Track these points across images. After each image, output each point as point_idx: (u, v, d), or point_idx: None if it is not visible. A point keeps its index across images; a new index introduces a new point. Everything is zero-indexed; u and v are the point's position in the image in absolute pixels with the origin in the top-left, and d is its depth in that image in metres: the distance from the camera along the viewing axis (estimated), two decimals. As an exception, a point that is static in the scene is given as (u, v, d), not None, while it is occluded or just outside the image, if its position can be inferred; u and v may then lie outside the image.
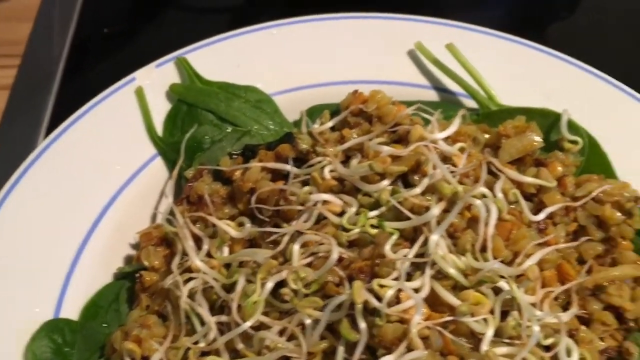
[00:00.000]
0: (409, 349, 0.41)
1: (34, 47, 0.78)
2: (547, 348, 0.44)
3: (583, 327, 0.45)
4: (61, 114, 0.61)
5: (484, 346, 0.41)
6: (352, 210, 0.48)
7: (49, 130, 0.68)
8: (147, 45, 0.79)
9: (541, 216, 0.50)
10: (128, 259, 0.53)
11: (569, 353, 0.43)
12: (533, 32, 0.71)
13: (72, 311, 0.49)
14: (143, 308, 0.49)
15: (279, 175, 0.54)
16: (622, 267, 0.48)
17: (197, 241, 0.52)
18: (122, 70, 0.61)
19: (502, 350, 0.42)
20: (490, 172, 0.52)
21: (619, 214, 0.51)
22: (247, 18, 0.69)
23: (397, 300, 0.44)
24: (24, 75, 0.75)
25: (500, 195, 0.49)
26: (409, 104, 0.57)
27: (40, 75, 0.75)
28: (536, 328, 0.42)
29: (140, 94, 0.58)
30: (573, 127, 0.55)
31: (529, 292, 0.45)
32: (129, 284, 0.52)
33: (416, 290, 0.44)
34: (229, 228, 0.51)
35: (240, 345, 0.45)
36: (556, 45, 0.67)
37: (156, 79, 0.59)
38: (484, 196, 0.48)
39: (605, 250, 0.51)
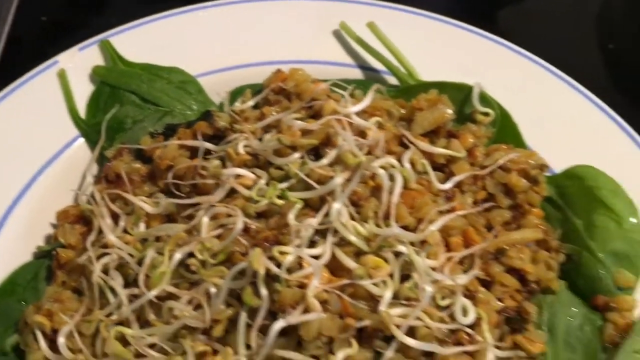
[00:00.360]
0: (306, 315, 0.43)
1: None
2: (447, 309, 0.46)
3: (483, 289, 0.46)
4: None
5: (382, 307, 0.43)
6: (262, 182, 0.49)
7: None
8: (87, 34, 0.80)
9: (448, 185, 0.51)
10: (49, 239, 0.54)
11: (465, 313, 0.45)
12: (483, 17, 0.72)
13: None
14: (59, 284, 0.50)
15: (196, 155, 0.55)
16: (522, 231, 0.49)
17: (116, 218, 0.53)
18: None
19: (398, 311, 0.43)
20: (403, 144, 0.54)
21: (525, 181, 0.52)
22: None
23: (300, 267, 0.45)
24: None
25: (407, 165, 0.51)
26: (331, 83, 0.59)
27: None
28: (428, 288, 0.43)
29: (62, 76, 0.59)
30: (485, 99, 0.57)
31: (432, 256, 0.47)
32: (48, 262, 0.52)
33: (318, 257, 0.45)
34: (144, 204, 0.51)
35: (151, 316, 0.46)
36: (505, 30, 0.69)
37: (79, 61, 0.60)
38: (393, 167, 0.50)
39: (514, 217, 0.52)
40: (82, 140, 0.58)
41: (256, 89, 0.60)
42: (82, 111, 0.59)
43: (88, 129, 0.58)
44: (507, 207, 0.53)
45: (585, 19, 0.86)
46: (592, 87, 0.62)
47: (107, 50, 0.61)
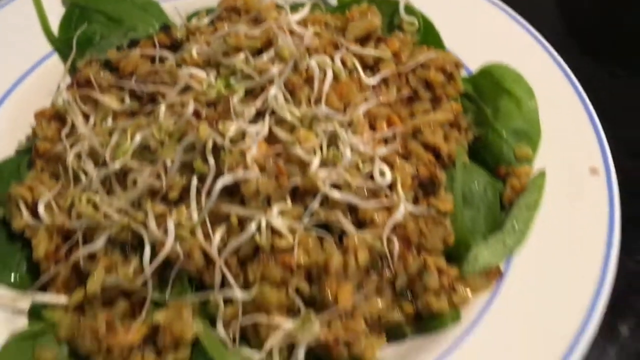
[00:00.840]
0: (246, 176, 0.51)
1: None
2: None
3: (400, 160, 0.55)
4: None
5: (312, 169, 0.51)
6: (211, 76, 0.57)
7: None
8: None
9: (374, 79, 0.59)
10: (29, 138, 0.62)
11: (383, 175, 0.53)
12: None
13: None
14: (38, 171, 0.58)
15: (155, 61, 0.63)
16: (436, 113, 0.57)
17: (86, 117, 0.61)
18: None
19: (325, 172, 0.51)
20: (337, 47, 0.62)
21: (442, 76, 0.60)
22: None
23: (243, 140, 0.53)
24: None
25: (338, 62, 0.59)
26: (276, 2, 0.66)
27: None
28: (348, 152, 0.51)
29: (36, 1, 0.66)
30: (411, 11, 0.65)
31: (357, 133, 0.55)
32: (28, 157, 0.60)
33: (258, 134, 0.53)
34: (111, 101, 0.59)
35: (117, 188, 0.54)
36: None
37: (52, -15, 0.67)
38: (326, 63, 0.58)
39: (433, 108, 0.60)
40: (56, 55, 0.65)
41: (210, 11, 0.69)
42: (55, 31, 0.66)
43: (61, 45, 0.65)
44: (427, 100, 0.61)
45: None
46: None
47: (77, -24, 0.68)
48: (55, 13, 0.67)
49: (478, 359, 0.47)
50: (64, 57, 0.65)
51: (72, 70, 0.64)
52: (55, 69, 0.64)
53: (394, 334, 0.51)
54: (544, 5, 0.90)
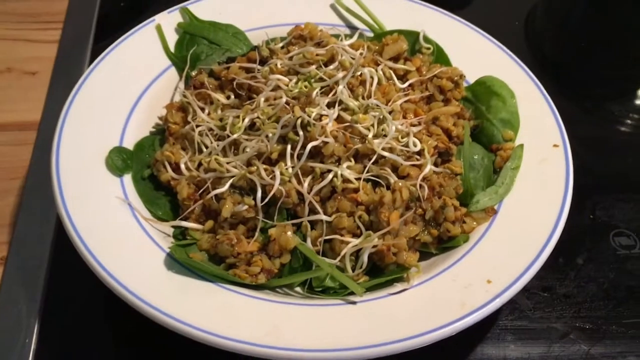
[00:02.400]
0: (325, 142, 0.75)
1: (71, 16, 1.10)
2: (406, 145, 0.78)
3: (426, 137, 0.79)
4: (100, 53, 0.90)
5: (369, 137, 0.75)
6: (294, 80, 0.81)
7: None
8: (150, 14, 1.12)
9: (405, 85, 0.85)
10: (158, 125, 0.86)
11: (415, 145, 0.77)
12: None
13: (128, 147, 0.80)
14: (171, 144, 0.81)
15: (250, 72, 0.87)
16: (448, 107, 0.82)
17: (202, 109, 0.85)
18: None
19: (377, 141, 0.75)
20: (377, 64, 0.87)
21: (451, 84, 0.86)
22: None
23: (320, 120, 0.77)
24: (67, 34, 1.07)
25: (380, 72, 0.84)
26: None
27: (80, 33, 1.07)
28: (392, 128, 0.76)
29: (159, 29, 0.91)
30: (427, 40, 0.91)
31: (395, 118, 0.80)
32: (160, 137, 0.83)
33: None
34: (221, 97, 0.84)
35: (231, 154, 0.78)
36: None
37: (168, 19, 0.92)
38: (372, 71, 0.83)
39: (445, 105, 0.86)
40: (173, 68, 0.90)
41: (283, 38, 0.93)
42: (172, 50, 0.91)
43: (177, 60, 0.89)
44: (441, 100, 0.86)
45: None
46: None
47: (186, 13, 0.93)
48: (170, 38, 0.92)
49: (480, 261, 0.71)
50: (179, 69, 0.89)
51: (186, 79, 0.89)
52: (173, 77, 0.89)
53: (423, 252, 0.75)
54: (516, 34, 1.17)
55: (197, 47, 0.90)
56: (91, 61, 0.99)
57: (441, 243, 0.74)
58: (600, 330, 0.76)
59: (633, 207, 0.88)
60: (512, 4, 1.24)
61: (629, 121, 1.03)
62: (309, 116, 0.74)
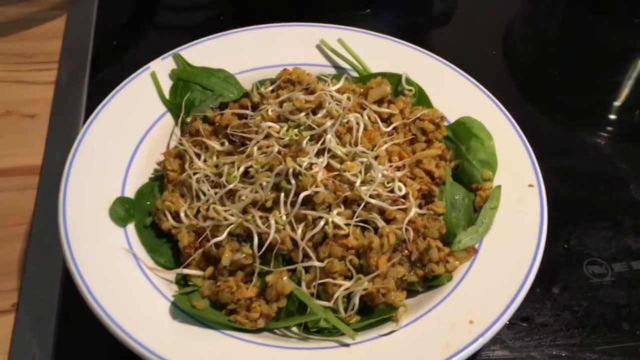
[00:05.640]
0: (316, 191, 0.80)
1: (66, 56, 1.14)
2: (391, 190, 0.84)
3: (410, 180, 0.85)
4: (96, 97, 0.93)
5: (357, 186, 0.80)
6: (285, 128, 0.86)
7: (89, 105, 1.04)
8: (142, 51, 1.16)
9: (389, 128, 0.90)
10: (157, 170, 0.90)
11: (400, 189, 0.82)
12: (415, 37, 1.06)
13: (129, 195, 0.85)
14: (170, 192, 0.86)
15: (242, 118, 0.92)
16: (430, 150, 0.88)
17: (198, 156, 0.89)
18: (132, 67, 0.98)
19: (364, 188, 0.80)
20: (362, 108, 0.92)
21: (432, 125, 0.91)
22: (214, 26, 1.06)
23: (311, 169, 0.82)
24: (62, 74, 1.11)
25: (366, 117, 0.89)
26: (317, 75, 0.97)
27: (75, 73, 1.10)
28: (379, 175, 0.81)
29: (153, 76, 0.95)
30: (409, 82, 0.96)
31: (381, 163, 0.85)
32: (158, 183, 0.88)
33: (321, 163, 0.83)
34: (215, 144, 0.88)
35: (227, 202, 0.83)
36: (433, 48, 1.03)
37: (162, 66, 0.96)
38: (358, 117, 0.88)
39: (427, 146, 0.91)
40: (168, 114, 0.94)
41: (271, 81, 0.98)
42: (166, 97, 0.95)
43: (172, 106, 0.93)
44: (423, 142, 0.92)
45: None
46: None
47: (179, 59, 0.97)
48: (164, 84, 0.96)
49: (463, 300, 0.77)
50: (175, 115, 0.93)
51: (181, 125, 0.93)
52: (169, 122, 0.93)
53: (410, 290, 0.81)
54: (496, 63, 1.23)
55: (190, 93, 0.94)
56: (88, 101, 1.05)
57: (426, 282, 0.79)
58: (575, 357, 0.82)
59: (604, 236, 0.94)
60: (491, 22, 1.29)
61: (599, 145, 1.09)
62: (300, 166, 0.79)
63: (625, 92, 1.20)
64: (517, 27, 1.32)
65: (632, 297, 0.87)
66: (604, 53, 1.26)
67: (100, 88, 0.94)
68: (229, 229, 0.78)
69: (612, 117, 1.17)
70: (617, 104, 1.18)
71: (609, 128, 1.14)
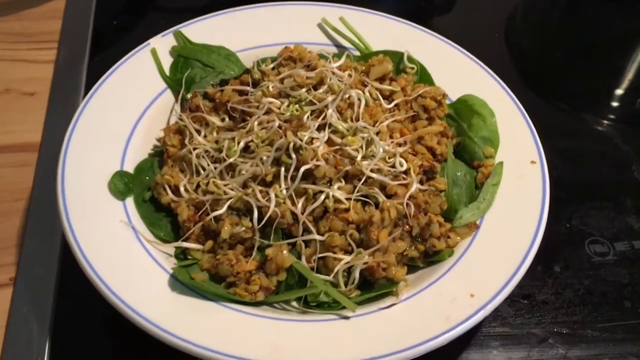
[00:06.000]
0: (317, 165, 0.79)
1: (66, 35, 1.13)
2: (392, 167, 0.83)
3: (412, 156, 0.84)
4: (96, 76, 0.91)
5: (358, 160, 0.80)
6: (285, 103, 0.86)
7: (88, 84, 1.04)
8: (142, 32, 1.15)
9: (391, 105, 0.89)
10: (156, 146, 0.89)
11: (401, 165, 0.82)
12: (418, 23, 1.02)
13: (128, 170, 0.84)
14: (169, 167, 0.85)
15: (242, 94, 0.91)
16: (432, 127, 0.87)
17: (198, 132, 0.89)
18: (132, 47, 0.97)
19: (365, 162, 0.80)
20: (364, 84, 0.92)
21: (434, 103, 0.90)
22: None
23: (312, 143, 0.81)
24: (62, 54, 1.10)
25: (367, 94, 0.88)
26: (318, 53, 0.96)
27: (75, 53, 1.10)
28: (380, 150, 0.80)
29: (154, 52, 0.94)
30: (411, 60, 0.95)
31: (382, 138, 0.84)
32: (158, 159, 0.87)
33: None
34: (216, 120, 0.88)
35: (227, 177, 0.82)
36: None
37: (163, 43, 0.95)
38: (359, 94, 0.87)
39: (429, 124, 0.90)
40: (168, 90, 0.93)
41: (273, 59, 0.97)
42: (167, 73, 0.95)
43: (172, 83, 0.93)
44: (425, 119, 0.91)
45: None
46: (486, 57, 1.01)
47: (180, 36, 0.97)
48: (165, 61, 0.95)
49: (464, 274, 0.76)
50: (175, 92, 0.92)
51: (182, 102, 0.93)
52: (169, 99, 0.93)
53: (411, 266, 0.80)
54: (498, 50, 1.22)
55: (191, 70, 0.93)
56: (88, 81, 1.04)
57: (427, 257, 0.79)
58: (576, 334, 0.81)
59: (607, 216, 0.93)
60: (494, 9, 1.28)
61: (602, 129, 1.08)
62: (301, 140, 0.78)
63: (628, 76, 1.19)
64: (520, 12, 1.31)
65: (634, 275, 0.87)
66: (608, 37, 1.25)
67: (100, 68, 0.93)
68: (228, 202, 0.78)
69: (615, 101, 1.16)
70: (620, 88, 1.18)
71: (612, 112, 1.13)
